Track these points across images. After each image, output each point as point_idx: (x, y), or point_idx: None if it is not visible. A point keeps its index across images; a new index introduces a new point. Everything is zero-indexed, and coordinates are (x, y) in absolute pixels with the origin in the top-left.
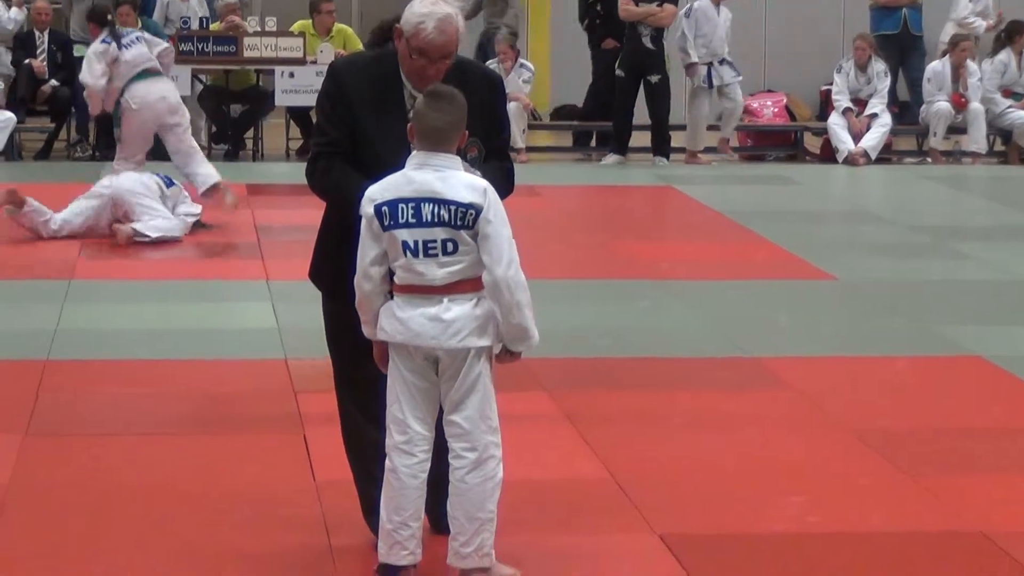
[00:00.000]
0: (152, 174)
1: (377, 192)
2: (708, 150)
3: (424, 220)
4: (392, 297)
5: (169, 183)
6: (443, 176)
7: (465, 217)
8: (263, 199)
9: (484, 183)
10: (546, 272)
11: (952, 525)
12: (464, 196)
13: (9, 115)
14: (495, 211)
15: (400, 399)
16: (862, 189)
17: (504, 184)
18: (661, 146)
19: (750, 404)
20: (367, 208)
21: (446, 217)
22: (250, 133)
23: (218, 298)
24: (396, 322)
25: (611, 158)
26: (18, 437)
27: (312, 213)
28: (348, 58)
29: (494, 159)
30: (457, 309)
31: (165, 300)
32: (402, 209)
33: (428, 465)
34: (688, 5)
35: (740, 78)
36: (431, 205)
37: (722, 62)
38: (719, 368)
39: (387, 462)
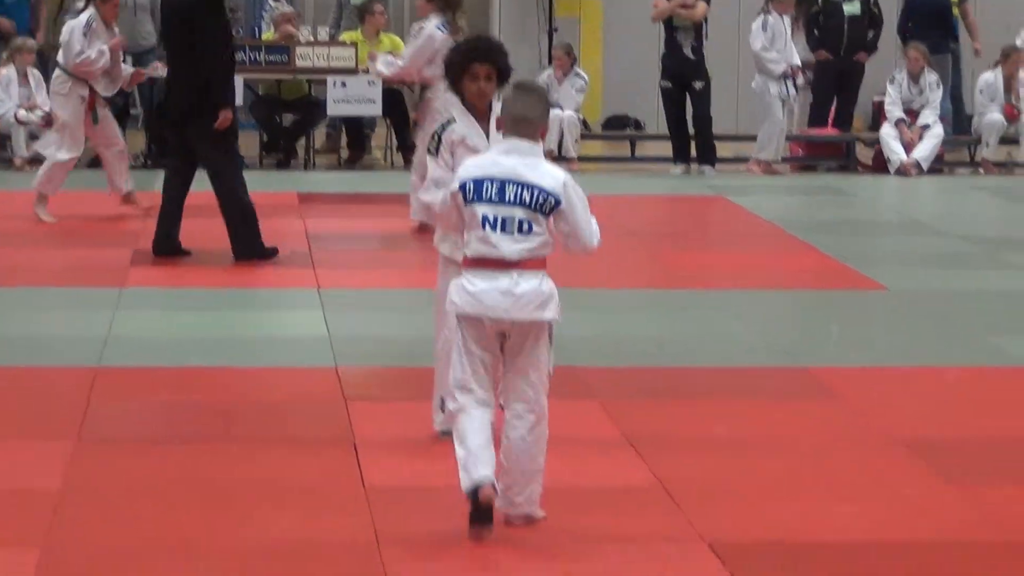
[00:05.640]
0: None
1: (464, 172)
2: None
3: (507, 199)
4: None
5: None
6: (529, 163)
7: (545, 204)
8: (314, 208)
9: (564, 175)
10: (596, 282)
11: (1001, 536)
12: (547, 183)
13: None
14: (573, 199)
15: (465, 367)
16: (914, 200)
17: None
18: (706, 154)
19: (799, 414)
20: (453, 185)
21: (527, 199)
22: (301, 142)
23: (269, 306)
24: (467, 295)
25: (677, 168)
26: (70, 444)
27: (362, 222)
28: None
29: None
30: (526, 284)
31: (216, 308)
32: (487, 186)
33: (490, 423)
34: (761, 18)
35: (796, 96)
36: (515, 187)
37: (789, 77)
38: (768, 378)
39: (451, 405)
